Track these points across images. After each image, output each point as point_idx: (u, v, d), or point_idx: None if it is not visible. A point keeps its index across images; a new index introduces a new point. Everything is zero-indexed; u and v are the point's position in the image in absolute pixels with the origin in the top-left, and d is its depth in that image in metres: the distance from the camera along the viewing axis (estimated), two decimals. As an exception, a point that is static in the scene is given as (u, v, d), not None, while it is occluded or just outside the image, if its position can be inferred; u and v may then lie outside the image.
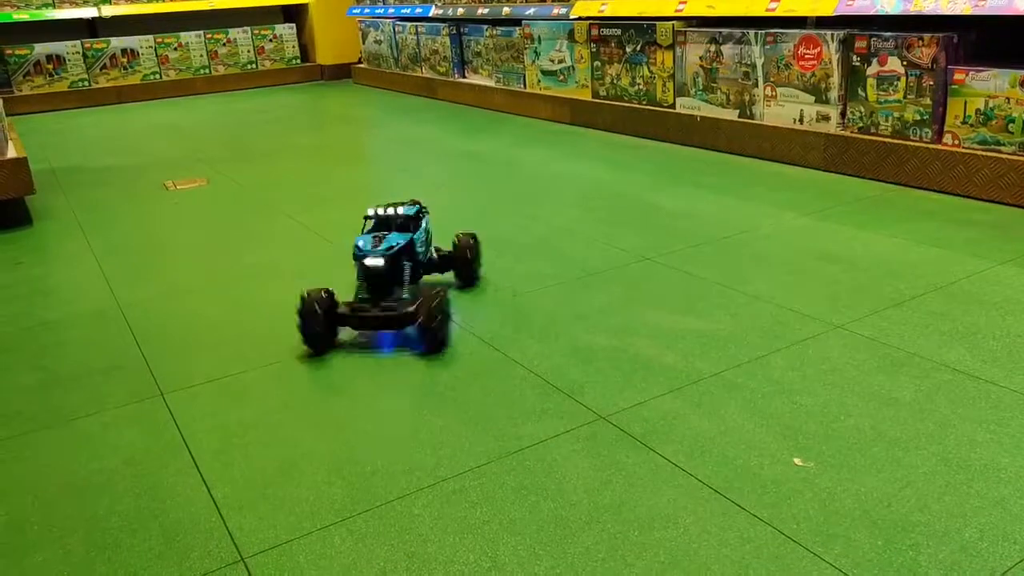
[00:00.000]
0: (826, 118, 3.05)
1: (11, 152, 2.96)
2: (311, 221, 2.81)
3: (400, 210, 1.88)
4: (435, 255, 2.02)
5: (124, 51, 6.26)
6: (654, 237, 2.40)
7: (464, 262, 2.00)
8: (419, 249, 1.85)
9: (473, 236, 2.04)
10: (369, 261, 1.76)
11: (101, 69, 6.20)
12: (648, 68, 3.75)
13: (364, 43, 6.49)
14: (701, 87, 3.52)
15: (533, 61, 4.49)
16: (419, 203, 1.94)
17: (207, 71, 6.58)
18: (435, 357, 1.72)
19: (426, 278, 2.09)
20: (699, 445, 1.34)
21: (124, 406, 1.61)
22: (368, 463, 1.37)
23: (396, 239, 1.80)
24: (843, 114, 3.01)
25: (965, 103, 2.62)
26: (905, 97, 2.78)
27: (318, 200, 3.14)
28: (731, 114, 3.41)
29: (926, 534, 1.11)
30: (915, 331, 1.69)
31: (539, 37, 4.40)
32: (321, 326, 1.73)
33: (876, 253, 2.15)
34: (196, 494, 1.32)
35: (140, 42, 6.31)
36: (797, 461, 1.29)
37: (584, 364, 1.64)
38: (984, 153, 2.56)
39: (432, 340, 1.71)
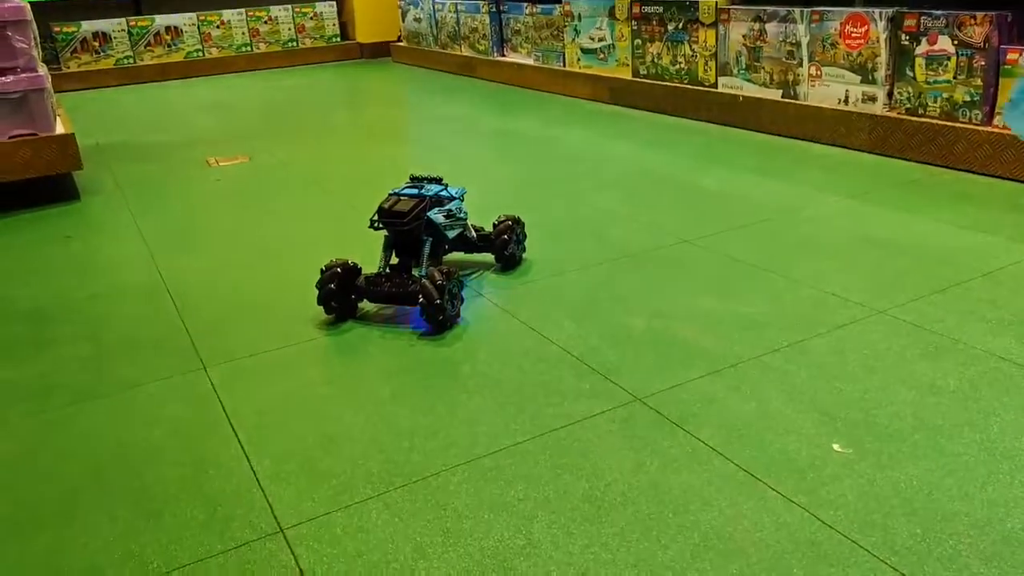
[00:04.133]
0: (872, 99, 2.98)
1: (59, 128, 3.02)
2: (350, 197, 2.83)
3: (430, 187, 1.89)
4: (474, 234, 2.02)
5: (168, 28, 6.33)
6: (694, 219, 2.38)
7: (503, 244, 2.01)
8: (441, 221, 1.84)
9: (515, 219, 2.04)
10: (388, 205, 1.79)
11: (146, 46, 6.28)
12: (690, 46, 3.70)
13: (404, 21, 6.49)
14: (744, 66, 3.46)
15: (573, 39, 4.46)
16: (440, 179, 1.95)
17: (248, 48, 6.64)
18: (473, 337, 1.73)
19: (464, 257, 2.10)
20: (736, 429, 1.34)
21: (169, 378, 1.65)
22: (405, 439, 1.38)
23: (421, 195, 1.83)
24: (890, 95, 2.94)
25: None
26: (955, 77, 2.71)
27: (357, 177, 3.17)
28: (775, 94, 3.35)
29: (967, 523, 1.09)
30: (959, 318, 1.65)
31: (579, 15, 4.36)
32: (337, 295, 1.78)
33: (920, 237, 2.11)
34: (238, 466, 1.35)
35: (183, 20, 6.37)
36: (836, 447, 1.28)
37: (621, 346, 1.64)
38: (1036, 136, 2.49)
39: (433, 320, 1.71)
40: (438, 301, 1.68)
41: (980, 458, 1.23)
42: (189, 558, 1.14)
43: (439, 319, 1.71)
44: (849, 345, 1.58)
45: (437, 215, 1.83)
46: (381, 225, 1.81)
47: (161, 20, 6.29)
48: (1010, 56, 2.55)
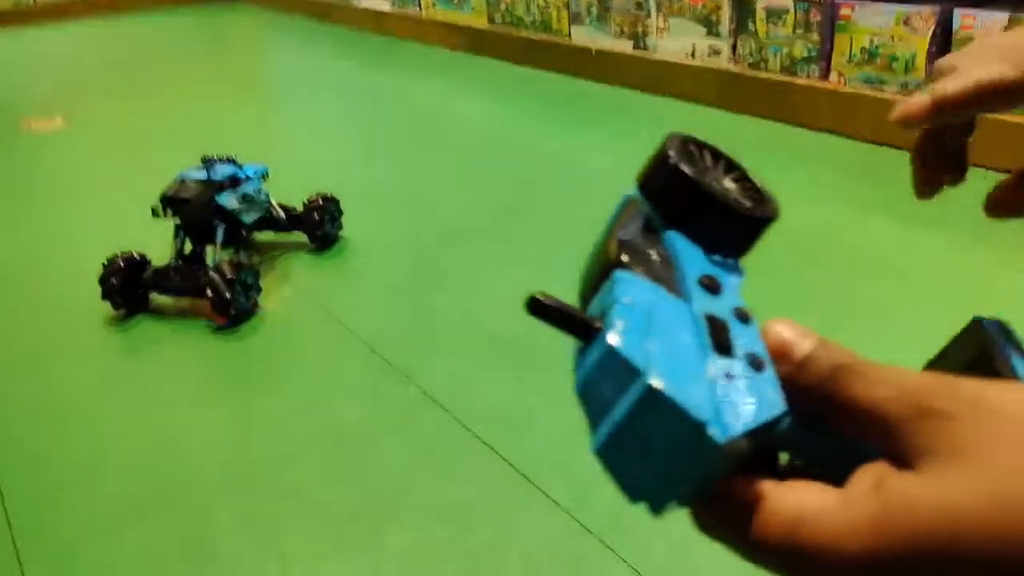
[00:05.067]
0: (717, 52, 2.95)
1: None
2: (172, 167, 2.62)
3: (221, 169, 1.75)
4: (282, 214, 1.88)
5: (-8, -32, 5.73)
6: (525, 188, 2.29)
7: (313, 224, 1.87)
8: (233, 206, 1.69)
9: (326, 197, 1.91)
10: (172, 192, 1.66)
11: (-34, -12, 5.67)
12: (543, -5, 3.58)
13: (259, -40, 6.07)
14: (595, 17, 3.37)
15: (429, -16, 4.25)
16: (234, 160, 1.80)
17: (88, -10, 6.09)
18: (271, 330, 1.61)
19: (277, 238, 1.97)
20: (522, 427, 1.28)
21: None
22: (180, 450, 1.27)
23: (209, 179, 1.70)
24: (734, 48, 2.91)
25: (851, 40, 2.56)
26: (794, 32, 2.69)
27: (185, 141, 2.94)
28: (625, 46, 3.28)
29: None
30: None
31: (434, -42, 4.16)
32: (121, 291, 1.64)
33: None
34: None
35: (9, -43, 5.77)
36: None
37: (424, 338, 1.56)
38: (870, 93, 2.51)
39: (225, 314, 1.59)
40: (228, 296, 1.55)
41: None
42: None
43: (231, 313, 1.58)
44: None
45: (229, 199, 1.68)
46: (164, 213, 1.65)
47: (-18, -42, 5.67)
48: (843, 11, 2.55)
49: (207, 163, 1.76)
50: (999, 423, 0.23)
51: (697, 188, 0.29)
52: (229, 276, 1.56)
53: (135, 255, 1.66)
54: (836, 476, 0.25)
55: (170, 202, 1.64)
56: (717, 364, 0.25)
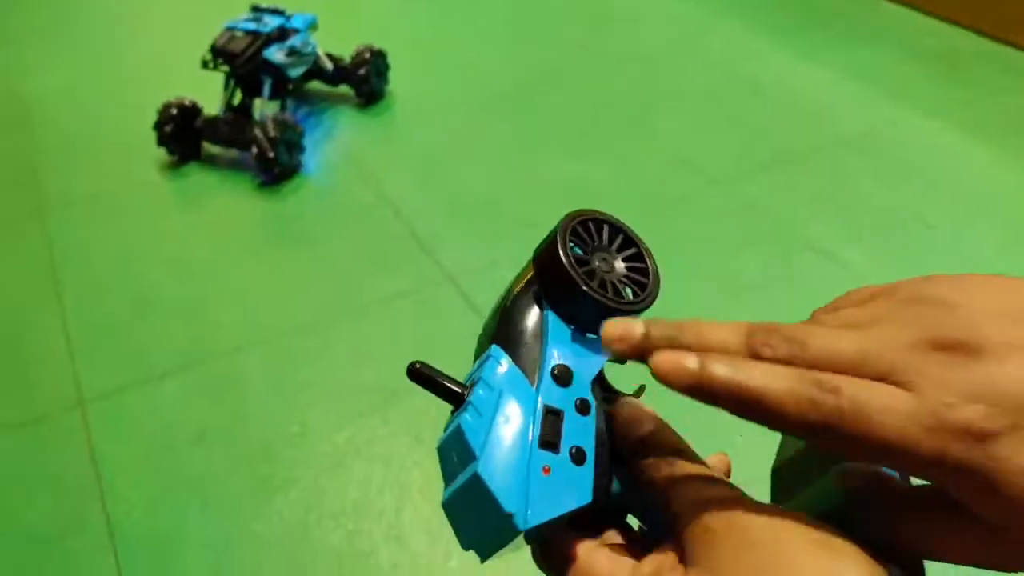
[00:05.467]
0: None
1: None
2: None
3: (270, 20, 1.77)
4: (330, 66, 1.92)
5: None
6: (578, 49, 2.24)
7: (359, 79, 1.91)
8: (280, 60, 1.74)
9: (373, 50, 1.93)
10: (220, 44, 1.71)
11: None
12: None
13: None
14: None
15: None
16: (283, 11, 1.83)
17: None
18: (311, 191, 1.71)
19: (324, 88, 2.02)
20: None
21: (6, 226, 1.65)
22: (213, 310, 1.43)
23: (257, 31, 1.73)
24: None
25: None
26: None
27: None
28: None
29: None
30: (796, 196, 1.64)
31: None
32: (175, 138, 1.74)
33: (801, 87, 2.02)
34: (54, 329, 1.40)
35: None
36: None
37: (456, 214, 1.63)
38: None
39: (268, 171, 1.68)
40: (271, 154, 1.64)
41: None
42: (-18, 434, 1.22)
43: (274, 171, 1.68)
44: (676, 225, 1.58)
45: (276, 54, 1.73)
46: (214, 65, 1.72)
47: None
48: None
49: (256, 12, 1.79)
50: (743, 546, 0.26)
51: (565, 274, 0.32)
52: (272, 134, 1.64)
53: (187, 102, 1.74)
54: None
55: (219, 53, 1.70)
56: (539, 458, 0.29)
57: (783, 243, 1.51)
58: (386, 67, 1.98)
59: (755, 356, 0.27)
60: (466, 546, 0.31)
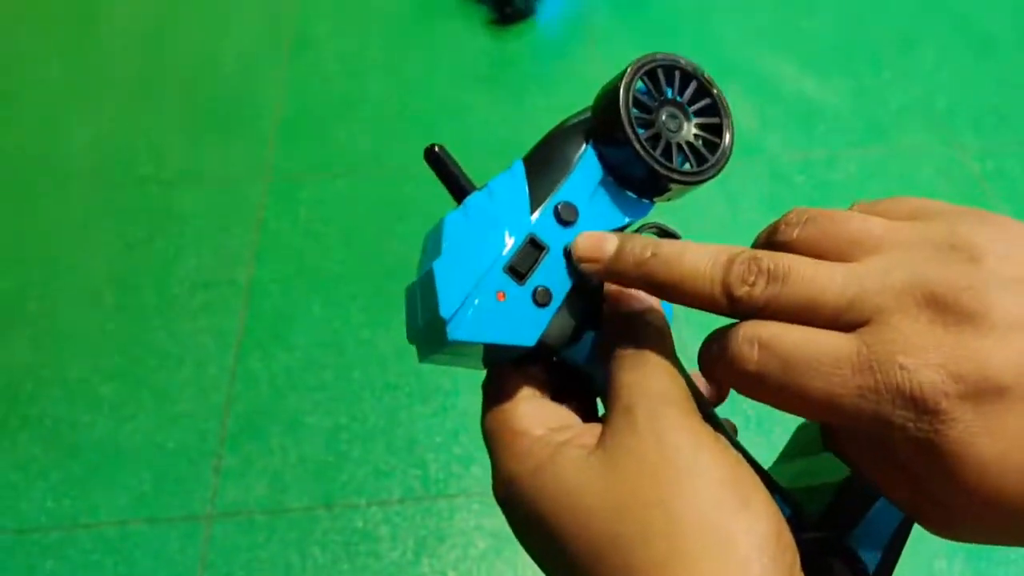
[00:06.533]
0: None
1: None
2: None
3: None
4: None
5: None
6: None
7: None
8: None
9: None
10: None
11: None
12: None
13: None
14: None
15: None
16: None
17: None
18: (532, 37, 1.71)
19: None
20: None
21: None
22: (400, 123, 1.51)
23: None
24: None
25: None
26: None
27: None
28: None
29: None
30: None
31: None
32: None
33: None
34: (271, 101, 1.55)
35: None
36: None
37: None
38: None
39: (499, 9, 1.70)
40: None
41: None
42: (189, 174, 1.41)
43: (505, 11, 1.69)
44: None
45: None
46: None
47: None
48: None
49: None
50: (654, 449, 0.24)
51: (617, 117, 0.29)
52: None
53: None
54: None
55: None
56: (497, 280, 0.27)
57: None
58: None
59: (729, 295, 0.25)
60: (409, 339, 0.30)
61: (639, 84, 0.30)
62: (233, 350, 1.14)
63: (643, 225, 0.33)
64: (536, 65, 1.66)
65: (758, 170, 1.43)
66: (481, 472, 1.01)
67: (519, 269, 0.28)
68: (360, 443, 1.04)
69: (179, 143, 1.47)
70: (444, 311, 0.27)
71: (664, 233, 0.32)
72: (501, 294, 0.27)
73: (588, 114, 0.31)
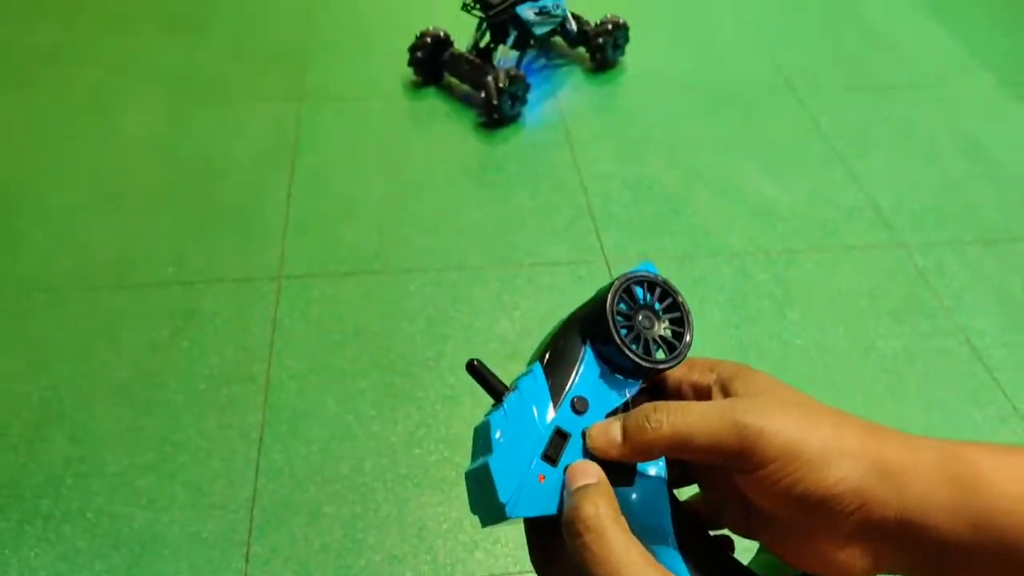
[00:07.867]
0: None
1: None
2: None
3: None
4: (574, 28, 2.04)
5: None
6: (818, 59, 2.19)
7: (596, 47, 2.03)
8: (530, 18, 1.88)
9: (617, 23, 2.03)
10: None
11: None
12: None
13: None
14: None
15: None
16: None
17: None
18: (519, 145, 1.87)
19: (563, 45, 2.14)
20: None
21: (271, 100, 1.96)
22: (406, 227, 1.65)
23: None
24: None
25: None
26: None
27: None
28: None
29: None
30: (981, 284, 1.58)
31: None
32: (424, 64, 1.97)
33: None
34: (279, 203, 1.69)
35: None
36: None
37: (638, 199, 1.74)
38: None
39: (488, 115, 1.87)
40: (495, 102, 1.81)
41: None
42: (207, 276, 1.53)
43: (495, 116, 1.85)
44: (807, 274, 1.59)
45: (527, 11, 1.87)
46: (471, 8, 1.89)
47: None
48: None
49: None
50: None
51: (606, 325, 0.38)
52: (502, 85, 1.80)
53: (441, 34, 1.94)
54: None
55: (479, 0, 1.87)
56: (538, 467, 0.36)
57: (933, 323, 1.49)
58: (625, 40, 2.07)
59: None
60: (473, 511, 0.38)
61: (620, 304, 0.39)
62: (256, 445, 1.25)
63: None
64: (521, 167, 1.82)
65: (723, 268, 1.59)
66: (484, 556, 1.13)
67: (552, 456, 0.37)
68: (375, 530, 1.16)
69: (196, 246, 1.60)
70: (503, 497, 0.35)
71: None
72: (542, 476, 0.36)
73: (581, 315, 0.40)
